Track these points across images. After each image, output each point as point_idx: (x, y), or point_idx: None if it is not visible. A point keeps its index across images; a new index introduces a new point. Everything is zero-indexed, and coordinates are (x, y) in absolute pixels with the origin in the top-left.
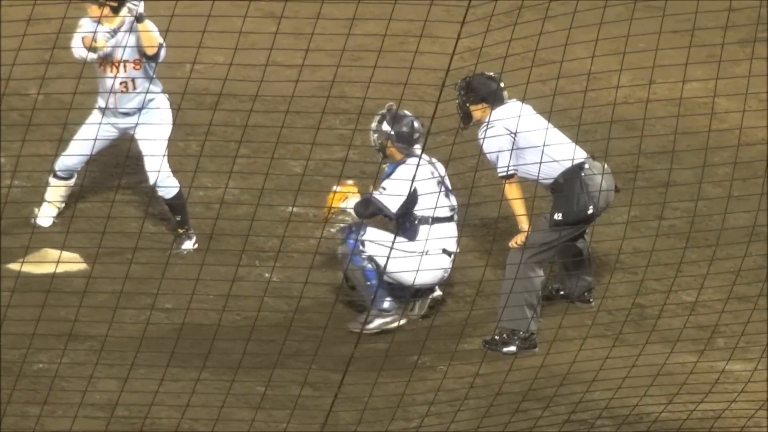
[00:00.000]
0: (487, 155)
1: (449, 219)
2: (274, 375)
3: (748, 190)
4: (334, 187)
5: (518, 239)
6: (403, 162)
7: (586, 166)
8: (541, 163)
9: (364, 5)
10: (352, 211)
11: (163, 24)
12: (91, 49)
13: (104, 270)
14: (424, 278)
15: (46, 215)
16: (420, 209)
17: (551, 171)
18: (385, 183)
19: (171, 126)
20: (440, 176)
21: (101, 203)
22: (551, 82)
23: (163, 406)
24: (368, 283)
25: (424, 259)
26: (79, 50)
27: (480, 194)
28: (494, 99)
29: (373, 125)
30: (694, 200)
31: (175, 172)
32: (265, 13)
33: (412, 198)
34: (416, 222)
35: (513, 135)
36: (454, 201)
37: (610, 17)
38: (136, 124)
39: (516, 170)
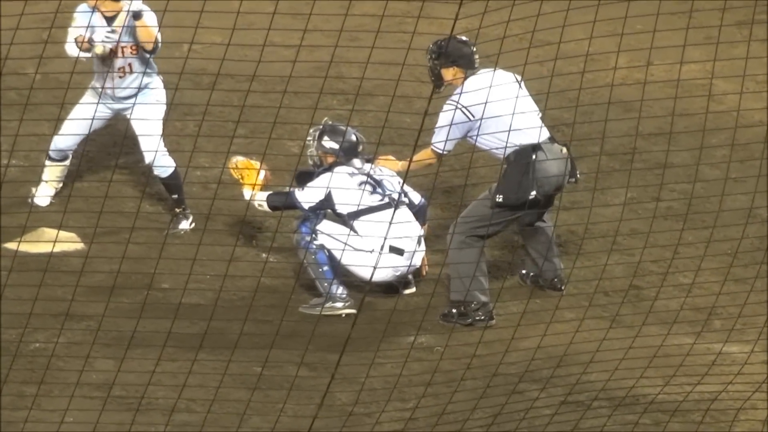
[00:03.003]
0: (437, 124)
1: (384, 212)
2: (270, 355)
3: (745, 172)
4: (235, 159)
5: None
6: (330, 168)
7: (541, 148)
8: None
9: None
10: (264, 204)
11: (161, 4)
12: (84, 50)
13: (101, 250)
14: (374, 274)
15: (43, 195)
16: (343, 206)
17: (509, 143)
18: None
19: (166, 106)
20: (370, 176)
21: (98, 183)
22: (549, 63)
23: (160, 386)
24: (321, 269)
25: (370, 255)
26: (71, 48)
27: (476, 175)
28: (466, 62)
29: (311, 140)
30: (691, 182)
31: (172, 152)
32: None
33: (328, 197)
34: (347, 219)
35: (470, 115)
36: (399, 196)
37: None
38: (132, 104)
39: (449, 152)
